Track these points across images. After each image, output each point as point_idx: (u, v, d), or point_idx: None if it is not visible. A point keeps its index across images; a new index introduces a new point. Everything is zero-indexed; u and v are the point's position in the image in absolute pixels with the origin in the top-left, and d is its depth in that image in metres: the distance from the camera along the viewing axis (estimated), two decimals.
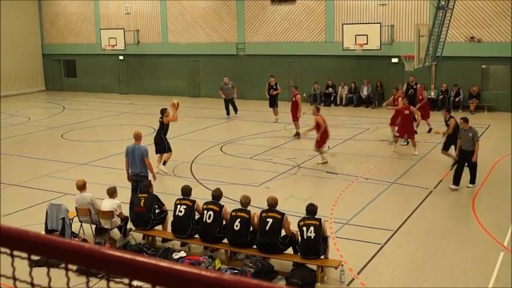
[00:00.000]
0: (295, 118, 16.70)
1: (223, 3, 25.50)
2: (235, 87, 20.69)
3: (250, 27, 25.14)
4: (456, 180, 11.42)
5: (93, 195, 9.09)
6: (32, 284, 1.38)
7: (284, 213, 7.99)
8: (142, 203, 8.81)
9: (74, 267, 1.28)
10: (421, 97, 17.20)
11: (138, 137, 10.18)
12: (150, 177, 9.96)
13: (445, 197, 11.22)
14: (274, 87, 19.48)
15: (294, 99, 16.81)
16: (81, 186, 9.05)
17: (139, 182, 9.68)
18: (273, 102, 19.52)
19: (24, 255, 1.33)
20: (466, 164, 11.47)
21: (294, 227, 7.98)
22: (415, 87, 17.77)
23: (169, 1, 26.82)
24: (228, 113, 20.69)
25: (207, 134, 18.06)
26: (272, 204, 8.07)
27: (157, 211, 8.96)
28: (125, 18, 28.03)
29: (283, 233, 7.95)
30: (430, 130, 16.67)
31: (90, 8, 29.18)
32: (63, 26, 30.26)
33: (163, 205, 9.09)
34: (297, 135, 16.63)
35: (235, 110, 20.80)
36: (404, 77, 21.59)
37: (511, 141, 15.81)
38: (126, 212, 9.33)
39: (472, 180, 11.58)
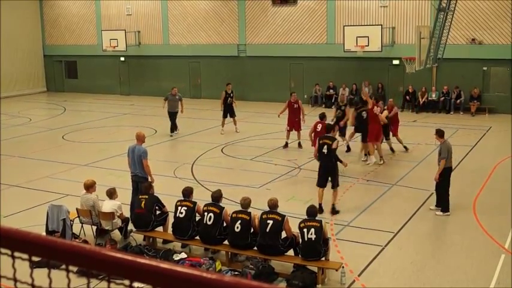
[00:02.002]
0: (299, 127, 15.47)
1: (225, 4, 25.58)
2: (182, 100, 17.96)
3: (251, 28, 25.21)
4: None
5: (97, 197, 9.07)
6: (32, 285, 1.38)
7: (284, 215, 7.99)
8: (142, 205, 8.81)
9: (75, 269, 1.27)
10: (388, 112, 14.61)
11: (139, 138, 10.08)
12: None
13: None
14: (231, 95, 17.95)
15: (296, 105, 15.62)
16: (89, 186, 9.03)
17: (139, 183, 9.67)
18: (232, 112, 17.90)
19: (25, 256, 1.32)
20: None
21: (294, 229, 7.99)
22: (343, 108, 15.05)
23: (170, 2, 26.91)
24: (172, 129, 17.94)
25: (208, 136, 18.06)
26: (272, 206, 8.09)
27: (158, 212, 8.97)
28: (126, 19, 28.11)
29: (283, 235, 7.96)
30: (392, 150, 14.93)
31: (91, 9, 29.26)
32: (64, 27, 30.37)
33: (164, 206, 9.09)
34: (286, 146, 15.62)
35: (174, 128, 17.89)
36: (405, 79, 21.67)
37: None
38: (126, 213, 9.33)
39: (437, 203, 10.23)
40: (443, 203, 10.13)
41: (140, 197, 9.01)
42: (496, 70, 21.33)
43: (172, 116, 17.78)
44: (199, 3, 26.16)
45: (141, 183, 9.51)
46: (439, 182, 10.06)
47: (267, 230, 7.77)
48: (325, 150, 10.22)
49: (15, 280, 1.40)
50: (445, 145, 10.07)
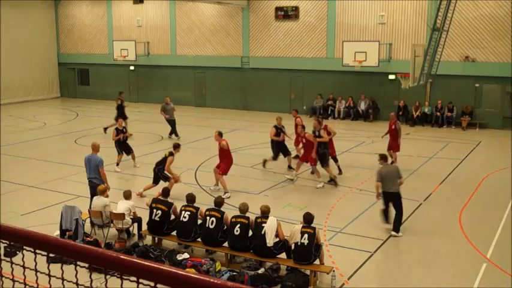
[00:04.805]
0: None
1: (230, 18, 26.13)
2: (175, 109, 19.14)
3: (255, 42, 25.71)
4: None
5: (109, 201, 9.71)
6: (49, 275, 1.74)
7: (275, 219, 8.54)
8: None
9: (82, 264, 1.58)
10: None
11: (94, 148, 10.83)
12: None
13: (434, 209, 11.49)
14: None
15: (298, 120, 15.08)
16: (101, 191, 9.81)
17: (95, 187, 10.18)
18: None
19: (44, 253, 1.62)
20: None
21: (286, 233, 8.38)
22: (283, 129, 14.78)
23: (178, 16, 27.51)
24: (175, 135, 18.92)
25: (211, 143, 18.19)
26: (265, 211, 8.68)
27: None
28: (136, 31, 28.69)
29: (277, 238, 8.36)
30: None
31: (103, 20, 29.89)
32: (78, 37, 31.02)
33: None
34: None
35: (176, 133, 18.94)
36: (401, 93, 22.05)
37: (500, 158, 16.21)
38: (139, 213, 9.89)
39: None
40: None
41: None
42: (488, 87, 21.61)
43: (170, 123, 18.88)
44: (206, 17, 26.71)
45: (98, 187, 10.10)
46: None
47: (262, 232, 8.33)
48: None
49: (36, 271, 1.74)
50: (379, 168, 10.15)
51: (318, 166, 13.42)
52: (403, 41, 22.60)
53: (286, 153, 14.74)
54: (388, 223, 10.14)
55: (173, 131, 18.99)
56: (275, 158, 14.70)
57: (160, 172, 12.26)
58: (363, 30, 23.23)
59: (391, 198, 9.92)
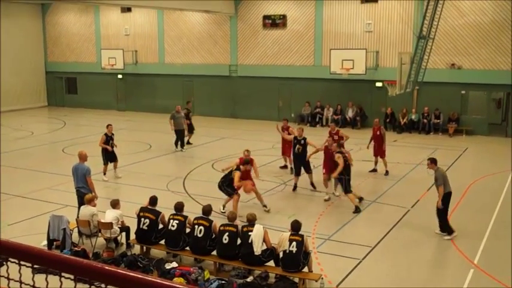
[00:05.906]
0: (287, 152, 15.15)
1: (218, 27, 26.37)
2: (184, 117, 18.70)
3: (242, 50, 25.94)
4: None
5: (96, 210, 9.75)
6: (34, 286, 1.74)
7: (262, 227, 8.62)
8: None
9: (67, 275, 1.59)
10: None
11: (81, 157, 10.79)
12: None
13: (421, 216, 11.57)
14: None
15: (287, 132, 15.36)
16: (89, 200, 9.85)
17: (83, 197, 10.20)
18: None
19: (29, 264, 1.63)
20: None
21: (274, 241, 8.45)
22: (302, 142, 13.67)
23: (166, 24, 27.71)
24: (177, 145, 18.48)
25: (200, 151, 18.52)
26: (251, 219, 8.75)
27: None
28: (124, 39, 28.84)
29: (264, 246, 8.54)
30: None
31: (91, 28, 30.00)
32: (66, 45, 31.06)
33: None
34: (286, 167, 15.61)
35: (182, 144, 18.48)
36: (388, 100, 22.39)
37: (487, 164, 16.43)
38: (126, 222, 9.89)
39: (441, 229, 10.36)
40: (447, 227, 10.27)
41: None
42: (474, 94, 22.03)
43: (177, 133, 18.30)
44: (194, 25, 26.91)
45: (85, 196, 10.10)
46: (440, 208, 10.22)
47: (249, 240, 8.42)
48: None
49: (20, 282, 1.72)
50: (439, 172, 10.26)
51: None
52: (389, 49, 22.92)
53: (308, 169, 13.67)
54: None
55: (180, 141, 18.43)
56: (298, 173, 13.61)
57: (223, 186, 11.74)
58: (350, 38, 23.53)
59: (449, 198, 10.29)
